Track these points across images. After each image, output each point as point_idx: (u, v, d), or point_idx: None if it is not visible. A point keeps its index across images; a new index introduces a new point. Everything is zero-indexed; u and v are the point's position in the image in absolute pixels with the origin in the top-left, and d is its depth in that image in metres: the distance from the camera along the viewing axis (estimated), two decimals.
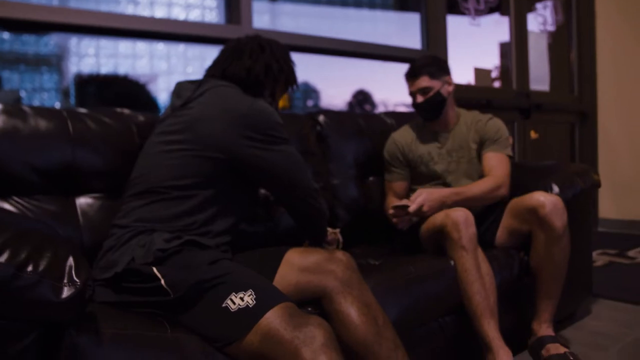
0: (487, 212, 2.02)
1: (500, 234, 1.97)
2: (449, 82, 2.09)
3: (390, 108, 3.41)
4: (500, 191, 1.97)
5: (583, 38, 4.23)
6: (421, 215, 1.86)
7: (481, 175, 2.07)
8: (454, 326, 1.72)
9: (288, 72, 1.61)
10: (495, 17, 3.67)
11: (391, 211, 1.90)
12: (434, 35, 3.09)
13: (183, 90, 1.50)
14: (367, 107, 3.61)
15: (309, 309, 1.34)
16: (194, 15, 2.73)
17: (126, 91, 2.60)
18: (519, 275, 1.92)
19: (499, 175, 1.98)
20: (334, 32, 3.23)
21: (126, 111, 1.74)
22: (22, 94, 2.34)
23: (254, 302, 1.09)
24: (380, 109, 3.42)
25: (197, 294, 1.13)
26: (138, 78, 2.66)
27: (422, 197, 1.84)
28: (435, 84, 2.05)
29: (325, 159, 2.19)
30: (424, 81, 2.04)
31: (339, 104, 3.64)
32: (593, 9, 4.26)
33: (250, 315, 1.08)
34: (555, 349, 1.79)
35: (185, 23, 2.19)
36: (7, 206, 1.43)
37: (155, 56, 2.70)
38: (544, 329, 1.86)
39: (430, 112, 2.08)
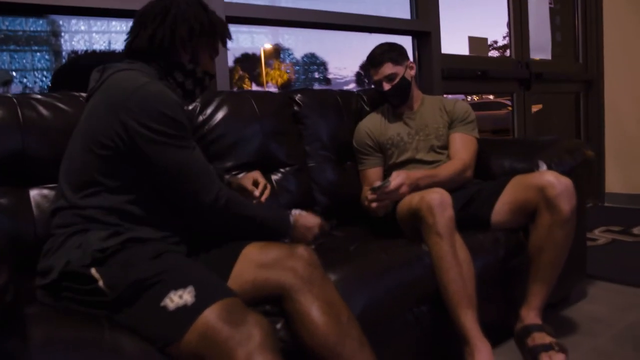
0: (482, 186, 1.93)
1: (500, 210, 1.84)
2: (411, 67, 2.12)
3: None
4: (466, 174, 1.98)
5: (589, 2, 4.02)
6: (398, 197, 1.79)
7: (445, 150, 2.09)
8: (430, 317, 1.62)
9: (207, 29, 1.36)
10: None
11: (369, 194, 1.80)
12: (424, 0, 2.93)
13: (91, 81, 1.36)
14: None
15: (267, 307, 1.27)
16: None
17: None
18: (505, 260, 1.81)
19: (464, 158, 2.00)
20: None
21: (83, 94, 1.65)
22: (14, 74, 2.28)
23: (193, 299, 1.03)
24: None
25: (136, 293, 1.08)
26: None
27: (401, 177, 1.78)
28: (399, 70, 2.06)
29: (302, 140, 2.10)
30: (388, 68, 2.05)
31: (347, 75, 3.54)
32: None
33: (188, 314, 1.02)
34: (541, 338, 1.69)
35: None
36: None
37: None
38: (532, 317, 1.76)
39: (398, 98, 2.10)
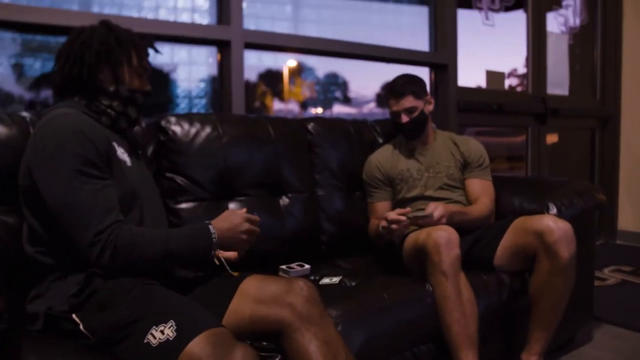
0: (488, 229, 1.92)
1: (501, 254, 1.84)
2: (430, 101, 2.12)
3: None
4: (491, 219, 2.00)
5: (608, 39, 4.01)
6: (433, 223, 1.75)
7: (457, 190, 2.08)
8: (430, 356, 1.62)
9: (116, 47, 1.32)
10: (512, 15, 3.49)
11: (403, 218, 1.74)
12: (443, 32, 2.95)
13: None
14: None
15: (264, 344, 1.27)
16: (186, 18, 2.66)
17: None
18: (508, 301, 1.80)
19: (488, 204, 2.02)
20: (355, 23, 3.13)
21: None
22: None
23: (174, 334, 1.02)
24: None
25: (117, 333, 1.08)
26: (161, 67, 2.64)
27: (441, 209, 1.79)
28: (419, 104, 2.05)
29: (313, 168, 2.11)
30: (409, 101, 2.03)
31: (368, 95, 3.55)
32: (620, 8, 4.03)
33: (172, 349, 1.01)
34: None
35: (174, 24, 2.12)
36: None
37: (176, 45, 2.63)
38: None
39: (414, 132, 2.08)
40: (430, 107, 2.12)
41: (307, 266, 1.85)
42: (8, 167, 1.43)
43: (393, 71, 2.86)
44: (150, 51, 1.44)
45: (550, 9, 3.65)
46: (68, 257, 1.20)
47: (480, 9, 3.19)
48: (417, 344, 1.60)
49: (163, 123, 1.82)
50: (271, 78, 3.68)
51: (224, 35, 2.18)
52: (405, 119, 2.04)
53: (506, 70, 3.68)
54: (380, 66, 2.91)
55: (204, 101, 3.04)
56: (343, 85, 3.72)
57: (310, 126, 2.16)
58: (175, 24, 2.13)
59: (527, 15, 3.48)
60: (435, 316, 1.60)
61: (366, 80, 3.47)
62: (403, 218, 1.74)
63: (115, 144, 1.31)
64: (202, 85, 3.14)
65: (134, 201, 1.31)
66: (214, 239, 1.27)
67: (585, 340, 2.22)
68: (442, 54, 2.94)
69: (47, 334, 1.17)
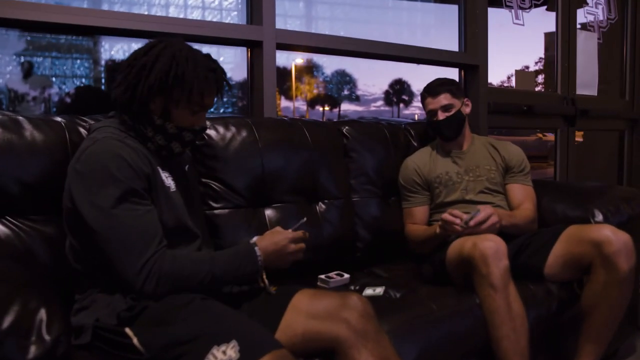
0: (535, 235, 1.86)
1: (552, 263, 1.76)
2: (467, 104, 2.10)
3: None
4: (535, 225, 1.95)
5: (639, 38, 3.92)
6: (489, 230, 1.69)
7: (498, 194, 2.02)
8: None
9: (172, 84, 1.21)
10: (541, 11, 3.41)
11: (458, 221, 1.70)
12: (473, 31, 2.88)
13: None
14: (404, 97, 3.48)
15: None
16: (217, 18, 2.62)
17: None
18: (557, 313, 1.74)
19: (533, 210, 1.98)
20: (370, 21, 3.05)
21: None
22: (54, 80, 2.30)
23: (237, 355, 0.98)
24: (419, 98, 3.31)
25: (174, 350, 1.03)
26: None
27: (489, 210, 1.73)
28: (456, 102, 2.04)
29: (348, 173, 2.06)
30: (446, 98, 2.02)
31: (376, 92, 3.50)
32: None
33: None
34: None
35: (204, 24, 2.07)
36: None
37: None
38: None
39: (451, 130, 2.04)
40: (468, 110, 2.10)
41: (346, 275, 1.80)
42: (46, 176, 1.39)
43: (400, 69, 2.81)
44: None
45: (580, 6, 3.57)
46: (113, 278, 1.16)
47: (510, 7, 3.11)
48: (466, 358, 1.55)
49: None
50: (279, 76, 3.66)
51: (256, 36, 2.12)
52: (442, 115, 2.01)
53: (518, 67, 3.62)
54: (387, 64, 2.85)
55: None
56: (351, 83, 3.68)
57: (346, 130, 2.10)
58: (206, 23, 2.08)
59: (557, 13, 3.39)
60: (485, 329, 1.54)
61: (373, 78, 3.42)
62: (458, 221, 1.69)
63: (159, 168, 1.27)
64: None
65: (180, 226, 1.27)
66: (260, 263, 1.26)
67: (629, 353, 2.15)
68: (472, 55, 2.87)
69: (94, 347, 1.12)
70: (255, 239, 1.31)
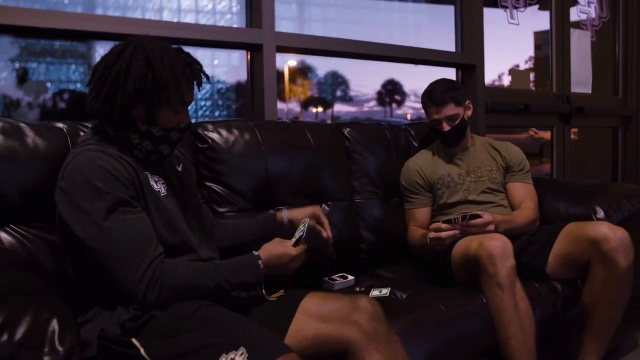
0: (536, 234, 1.86)
1: (553, 262, 1.77)
2: (469, 107, 2.07)
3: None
4: (536, 224, 1.95)
5: (630, 36, 3.95)
6: (478, 232, 1.68)
7: (500, 193, 2.03)
8: None
9: (151, 88, 1.17)
10: (531, 10, 3.42)
11: (442, 225, 1.68)
12: (469, 31, 2.88)
13: None
14: (397, 97, 3.49)
15: None
16: (217, 21, 2.61)
17: None
18: (562, 313, 1.74)
19: (533, 208, 1.98)
20: (362, 22, 3.04)
21: None
22: (48, 85, 2.30)
23: None
24: (412, 98, 3.31)
25: None
26: None
27: (489, 215, 1.72)
28: (460, 111, 2.00)
29: (350, 175, 2.05)
30: (451, 109, 1.97)
31: (369, 93, 3.50)
32: None
33: None
34: None
35: (203, 27, 2.06)
36: (2, 236, 1.32)
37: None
38: None
39: (455, 139, 2.03)
40: (469, 113, 2.06)
41: (350, 277, 1.79)
42: (48, 182, 1.36)
43: (392, 69, 2.81)
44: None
45: (573, 5, 3.59)
46: (113, 291, 1.14)
47: (505, 7, 3.13)
48: (474, 358, 1.55)
49: (200, 130, 1.75)
50: None
51: (255, 39, 2.11)
52: (446, 127, 1.97)
53: (508, 66, 3.63)
54: (379, 65, 2.84)
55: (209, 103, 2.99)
56: (343, 84, 3.68)
57: (347, 131, 2.10)
58: (206, 27, 2.07)
59: (551, 12, 3.41)
60: (493, 329, 1.54)
61: (366, 79, 3.42)
62: (451, 234, 1.67)
63: (148, 174, 1.23)
64: (221, 87, 3.09)
65: (173, 230, 1.25)
66: (262, 275, 1.25)
67: (631, 348, 2.16)
68: (469, 55, 2.88)
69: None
70: (260, 250, 1.28)
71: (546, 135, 3.80)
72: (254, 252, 1.27)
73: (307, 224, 1.37)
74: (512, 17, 3.14)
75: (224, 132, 1.77)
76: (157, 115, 1.21)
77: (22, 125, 1.41)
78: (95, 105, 1.20)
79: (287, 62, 3.66)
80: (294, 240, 1.32)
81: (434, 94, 1.98)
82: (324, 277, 1.79)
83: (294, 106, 3.66)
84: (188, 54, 1.26)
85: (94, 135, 1.25)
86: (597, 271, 1.66)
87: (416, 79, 3.22)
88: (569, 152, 3.55)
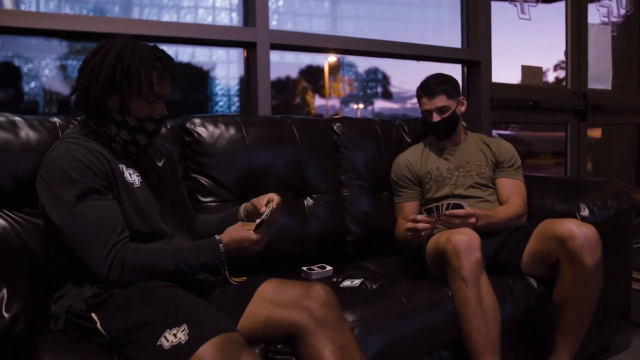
0: (514, 231, 1.87)
1: (527, 260, 1.78)
2: (463, 103, 2.10)
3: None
4: (522, 220, 1.94)
5: None
6: (458, 225, 1.71)
7: (488, 189, 2.03)
8: None
9: (121, 78, 1.27)
10: (550, 7, 3.37)
11: (422, 217, 1.72)
12: (475, 27, 2.87)
13: None
14: None
15: (279, 346, 1.29)
16: (218, 19, 2.70)
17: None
18: (536, 308, 1.75)
19: (520, 204, 1.98)
20: (395, 19, 3.07)
21: None
22: None
23: (186, 337, 1.06)
24: None
25: (131, 334, 1.12)
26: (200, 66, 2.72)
27: (470, 208, 1.75)
28: (452, 104, 2.02)
29: (338, 170, 2.11)
30: (442, 100, 2.01)
31: (411, 89, 3.53)
32: None
33: (183, 353, 1.04)
34: None
35: (198, 26, 2.16)
36: None
37: None
38: None
39: (445, 131, 2.06)
40: (463, 109, 2.09)
41: (328, 268, 1.86)
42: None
43: (436, 66, 2.82)
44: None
45: (592, 0, 3.50)
46: (81, 270, 1.25)
47: (515, 1, 3.09)
48: (437, 350, 1.59)
49: (188, 125, 1.85)
50: (312, 74, 3.71)
51: (250, 37, 2.20)
52: (436, 118, 2.01)
53: (550, 64, 3.56)
54: (423, 62, 2.87)
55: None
56: (384, 80, 3.69)
57: (336, 126, 2.15)
58: (200, 26, 2.16)
59: (566, 6, 3.34)
60: (457, 322, 1.58)
61: (409, 75, 3.43)
62: (427, 225, 1.69)
63: (122, 166, 1.33)
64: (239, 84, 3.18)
65: (144, 219, 1.34)
66: (223, 258, 1.32)
67: (622, 348, 2.14)
68: (474, 51, 2.87)
69: (68, 332, 1.22)
70: (222, 234, 1.35)
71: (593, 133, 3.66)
72: (216, 236, 1.34)
73: (270, 209, 1.43)
74: (522, 12, 3.11)
75: (210, 127, 1.86)
76: (130, 105, 1.31)
77: (17, 119, 1.55)
78: (76, 96, 1.33)
79: (327, 58, 3.72)
80: (255, 223, 1.38)
81: (427, 85, 2.04)
82: (303, 267, 1.86)
83: (337, 102, 3.73)
84: (161, 51, 1.36)
85: (77, 129, 1.37)
86: (565, 269, 1.66)
87: (459, 74, 3.23)
88: (590, 152, 3.47)
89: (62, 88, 2.33)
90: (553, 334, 1.72)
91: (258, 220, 1.36)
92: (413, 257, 1.95)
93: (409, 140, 2.30)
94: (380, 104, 4.21)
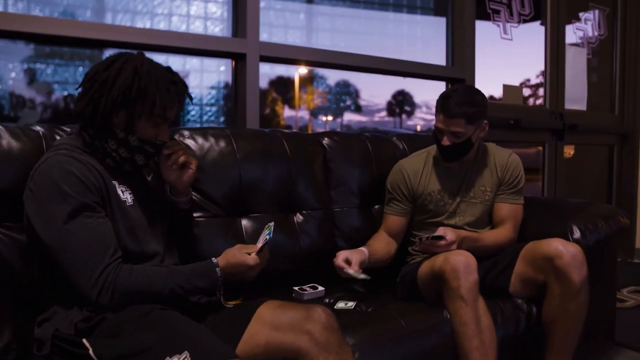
0: (501, 254, 1.85)
1: (515, 282, 1.77)
2: (484, 128, 1.89)
3: (433, 110, 3.22)
4: (509, 247, 1.88)
5: (627, 53, 3.94)
6: (440, 252, 1.69)
7: (485, 228, 1.96)
8: None
9: (135, 97, 1.23)
10: (527, 27, 3.43)
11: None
12: (460, 46, 2.91)
13: None
14: (407, 108, 3.51)
15: None
16: (192, 27, 2.65)
17: None
18: (526, 330, 1.75)
19: (511, 230, 1.91)
20: (371, 33, 3.07)
21: None
22: (55, 87, 2.34)
23: None
24: (423, 109, 3.34)
25: None
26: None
27: (452, 234, 1.72)
28: (469, 129, 1.81)
29: (327, 185, 2.07)
30: (459, 125, 1.78)
31: (380, 103, 3.52)
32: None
33: None
34: None
35: (188, 36, 2.10)
36: None
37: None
38: None
39: (453, 156, 1.90)
40: (482, 134, 1.88)
41: (320, 288, 1.81)
42: (21, 183, 1.39)
43: (406, 81, 2.83)
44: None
45: (569, 22, 3.60)
46: (70, 291, 1.17)
47: (498, 22, 3.14)
48: None
49: (176, 137, 1.79)
50: (282, 85, 3.68)
51: (240, 48, 2.15)
52: (447, 142, 1.81)
53: (519, 81, 3.62)
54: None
55: (214, 109, 3.02)
56: (354, 94, 3.69)
57: (325, 141, 2.11)
58: (190, 35, 2.11)
59: (546, 29, 3.42)
60: (453, 345, 1.55)
61: (378, 89, 3.44)
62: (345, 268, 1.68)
63: (115, 183, 1.28)
64: (213, 93, 3.13)
65: (136, 239, 1.28)
66: (219, 282, 1.28)
67: None
68: (459, 69, 2.90)
69: (54, 358, 1.14)
70: (220, 257, 1.31)
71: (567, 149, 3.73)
72: (213, 259, 1.29)
73: (272, 228, 1.38)
74: (505, 32, 3.16)
75: (199, 139, 1.80)
76: (136, 125, 1.27)
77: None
78: (80, 106, 1.26)
79: (298, 70, 3.68)
80: (258, 246, 1.33)
81: (448, 103, 1.79)
82: (294, 287, 1.80)
83: (306, 114, 3.69)
84: (176, 74, 1.33)
85: (69, 140, 1.29)
86: (553, 287, 1.67)
87: (428, 91, 3.24)
88: (563, 170, 3.54)
89: (27, 92, 2.23)
90: (543, 355, 1.72)
91: (260, 245, 1.31)
92: (400, 281, 1.87)
93: (399, 154, 2.23)
94: (349, 117, 4.18)
